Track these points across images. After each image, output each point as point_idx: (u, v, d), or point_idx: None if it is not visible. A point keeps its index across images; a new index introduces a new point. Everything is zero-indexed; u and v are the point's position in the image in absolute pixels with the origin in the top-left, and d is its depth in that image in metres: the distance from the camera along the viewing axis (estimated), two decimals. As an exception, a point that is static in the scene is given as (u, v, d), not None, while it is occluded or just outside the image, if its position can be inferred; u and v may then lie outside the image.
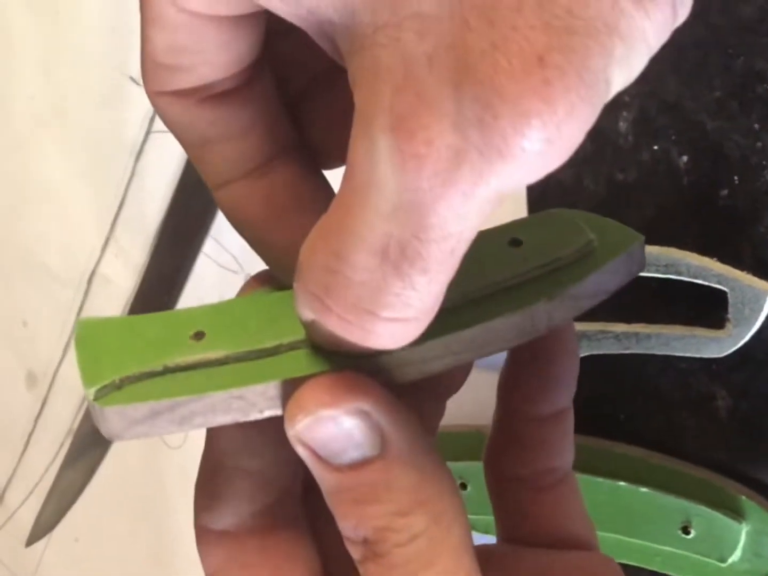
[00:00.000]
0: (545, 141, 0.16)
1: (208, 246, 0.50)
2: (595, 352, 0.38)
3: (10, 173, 0.59)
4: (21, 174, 0.59)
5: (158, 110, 0.22)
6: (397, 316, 0.18)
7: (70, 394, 0.59)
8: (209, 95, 0.22)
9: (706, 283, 0.35)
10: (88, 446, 0.59)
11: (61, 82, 0.55)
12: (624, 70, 0.16)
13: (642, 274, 0.24)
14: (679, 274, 0.35)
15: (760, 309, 0.34)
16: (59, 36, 0.54)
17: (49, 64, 0.55)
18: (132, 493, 0.58)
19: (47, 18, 0.55)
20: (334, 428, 0.20)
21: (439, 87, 0.16)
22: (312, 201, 0.24)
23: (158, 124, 0.51)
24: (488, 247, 0.24)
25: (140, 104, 0.51)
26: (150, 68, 0.21)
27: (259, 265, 0.50)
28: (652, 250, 0.35)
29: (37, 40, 0.55)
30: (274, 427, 0.21)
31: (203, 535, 0.25)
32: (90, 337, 0.24)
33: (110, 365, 0.22)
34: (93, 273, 0.57)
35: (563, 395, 0.28)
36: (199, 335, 0.23)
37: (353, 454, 0.20)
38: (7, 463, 0.64)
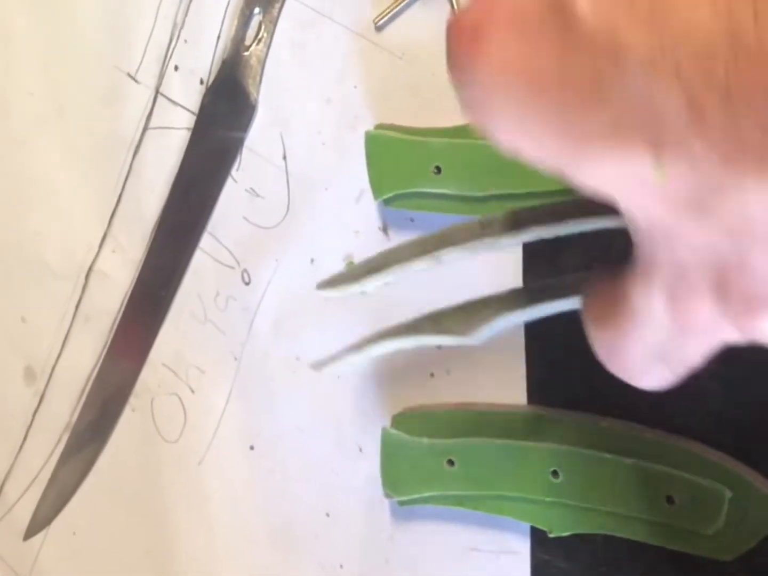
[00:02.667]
0: None
1: (205, 242, 0.51)
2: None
3: (8, 170, 0.60)
4: (19, 170, 0.59)
5: None
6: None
7: (68, 389, 0.60)
8: None
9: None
10: (86, 441, 0.59)
11: (59, 78, 0.55)
12: None
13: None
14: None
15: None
16: (57, 33, 0.54)
17: (47, 61, 0.55)
18: (129, 487, 0.58)
19: (46, 15, 0.55)
20: None
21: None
22: None
23: (156, 120, 0.51)
24: None
25: (138, 101, 0.51)
26: None
27: (256, 261, 0.51)
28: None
29: (35, 37, 0.56)
30: None
31: None
32: (376, 155, 0.39)
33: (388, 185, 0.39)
34: (91, 268, 0.57)
35: None
36: (438, 169, 0.36)
37: None
38: (5, 457, 0.65)
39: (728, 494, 0.36)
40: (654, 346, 0.24)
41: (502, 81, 0.20)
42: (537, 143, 0.21)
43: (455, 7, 0.40)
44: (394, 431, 0.43)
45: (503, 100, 0.21)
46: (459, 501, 0.42)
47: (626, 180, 0.20)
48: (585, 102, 0.19)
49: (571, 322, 0.40)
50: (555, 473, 0.39)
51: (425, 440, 0.42)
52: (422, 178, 0.39)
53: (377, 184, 0.40)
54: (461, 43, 0.21)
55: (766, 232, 0.19)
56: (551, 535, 0.40)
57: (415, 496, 0.43)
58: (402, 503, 0.44)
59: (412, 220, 0.43)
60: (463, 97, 0.22)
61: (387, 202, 0.41)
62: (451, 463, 0.41)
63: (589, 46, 0.19)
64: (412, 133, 0.39)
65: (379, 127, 0.41)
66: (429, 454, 0.42)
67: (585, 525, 0.40)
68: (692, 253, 0.21)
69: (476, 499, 0.42)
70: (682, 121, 0.18)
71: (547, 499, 0.39)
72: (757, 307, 0.21)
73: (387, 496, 0.44)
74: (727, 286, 0.21)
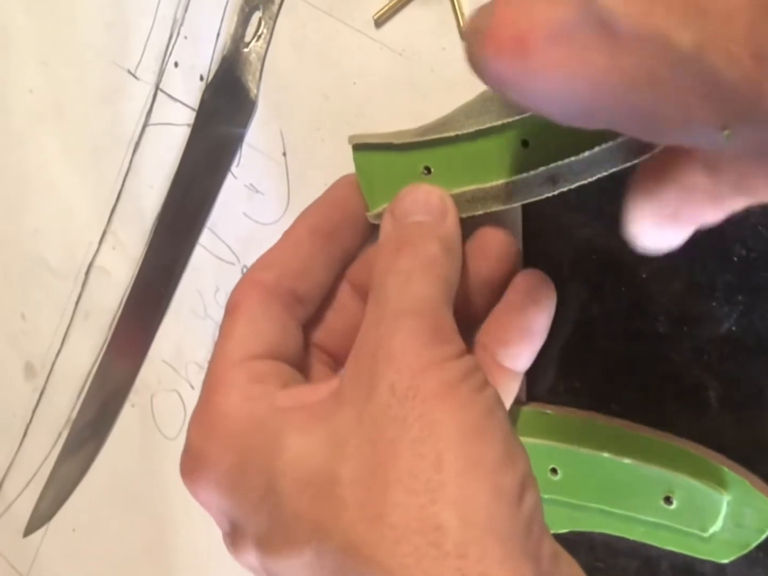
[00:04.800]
0: None
1: (205, 238, 0.51)
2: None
3: (7, 167, 0.60)
4: (18, 167, 0.59)
5: None
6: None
7: (68, 386, 0.60)
8: None
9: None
10: (86, 437, 0.59)
11: (58, 75, 0.55)
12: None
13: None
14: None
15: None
16: (57, 29, 0.54)
17: (46, 57, 0.55)
18: (129, 484, 0.58)
19: (45, 12, 0.55)
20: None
21: None
22: None
23: (155, 116, 0.51)
24: None
25: (138, 97, 0.51)
26: None
27: (256, 257, 0.51)
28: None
29: (34, 34, 0.56)
30: None
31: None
32: (365, 168, 0.40)
33: (379, 196, 0.39)
34: (90, 265, 0.57)
35: (524, 351, 0.38)
36: (427, 169, 0.37)
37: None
38: (5, 453, 0.65)
39: (726, 496, 0.36)
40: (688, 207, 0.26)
41: (559, 87, 0.22)
42: (601, 123, 0.23)
43: (456, 5, 0.40)
44: None
45: (562, 102, 0.23)
46: None
47: (700, 143, 0.22)
48: (648, 93, 0.21)
49: (571, 319, 0.40)
50: (553, 470, 0.39)
51: None
52: (413, 182, 0.39)
53: (370, 197, 0.40)
54: (504, 55, 0.23)
55: None
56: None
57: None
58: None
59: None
60: (512, 96, 0.24)
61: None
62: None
63: (637, 48, 0.20)
64: (396, 137, 0.39)
65: (360, 138, 0.41)
66: None
67: (582, 523, 0.40)
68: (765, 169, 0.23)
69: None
70: (743, 96, 0.20)
71: (545, 496, 0.39)
72: None
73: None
74: None
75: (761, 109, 0.20)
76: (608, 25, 0.20)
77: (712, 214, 0.26)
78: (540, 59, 0.22)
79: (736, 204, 0.26)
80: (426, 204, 0.35)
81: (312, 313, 0.38)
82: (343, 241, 0.38)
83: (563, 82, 0.22)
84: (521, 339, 0.37)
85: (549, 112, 0.23)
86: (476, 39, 0.24)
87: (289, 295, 0.36)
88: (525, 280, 0.38)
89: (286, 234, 0.38)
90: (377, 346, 0.30)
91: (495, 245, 0.37)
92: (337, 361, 0.39)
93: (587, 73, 0.21)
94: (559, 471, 0.39)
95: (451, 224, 0.35)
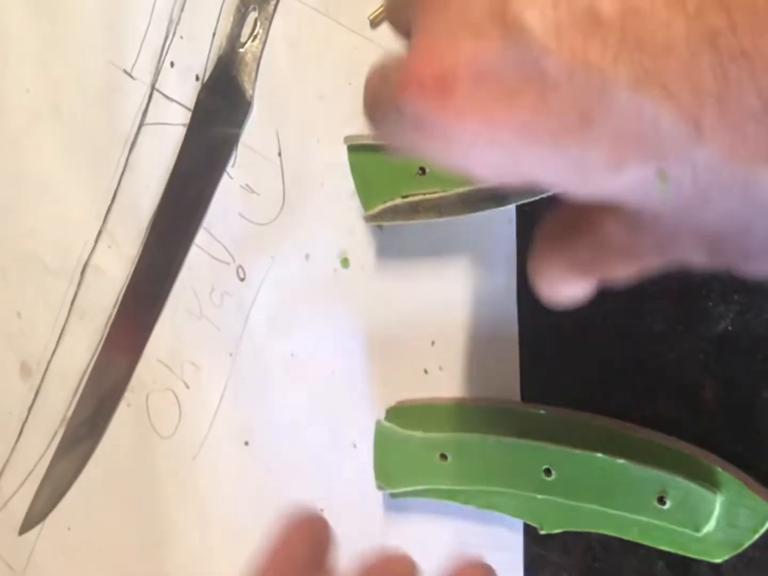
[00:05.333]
0: None
1: (201, 237, 0.51)
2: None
3: (4, 166, 0.60)
4: (15, 166, 0.59)
5: None
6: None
7: (64, 385, 0.60)
8: None
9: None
10: (81, 436, 0.59)
11: (55, 75, 0.55)
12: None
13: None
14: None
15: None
16: (54, 29, 0.54)
17: (43, 57, 0.55)
18: (124, 482, 0.58)
19: (42, 11, 0.55)
20: None
21: None
22: None
23: (151, 116, 0.51)
24: None
25: (134, 97, 0.51)
26: None
27: (251, 257, 0.51)
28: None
29: (31, 34, 0.56)
30: None
31: None
32: (360, 169, 0.40)
33: (374, 197, 0.40)
34: (86, 264, 0.57)
35: None
36: (422, 170, 0.38)
37: None
38: (1, 452, 0.65)
39: (720, 497, 0.36)
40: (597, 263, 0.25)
41: (486, 132, 0.20)
42: (527, 176, 0.21)
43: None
44: (387, 424, 0.43)
45: (487, 150, 0.20)
46: (451, 495, 0.42)
47: (631, 194, 0.20)
48: (579, 136, 0.19)
49: (566, 319, 0.40)
50: (548, 471, 0.39)
51: (419, 433, 0.42)
52: (408, 182, 0.39)
53: (365, 198, 0.40)
54: (426, 95, 0.20)
55: None
56: (542, 532, 0.40)
57: (408, 488, 0.43)
58: (394, 496, 0.44)
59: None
60: (425, 141, 0.21)
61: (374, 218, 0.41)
62: (443, 457, 0.41)
63: (569, 87, 0.19)
64: None
65: (355, 138, 0.41)
66: (422, 448, 0.42)
67: (576, 523, 0.40)
68: (692, 230, 0.21)
69: (468, 493, 0.42)
70: (681, 134, 0.18)
71: (539, 496, 0.40)
72: (750, 257, 0.21)
73: (379, 488, 0.44)
74: (722, 247, 0.21)
75: (701, 148, 0.18)
76: (538, 63, 0.19)
77: (624, 271, 0.24)
78: (464, 101, 0.20)
79: (653, 263, 0.23)
80: None
81: None
82: None
83: (487, 127, 0.20)
84: None
85: (470, 165, 0.21)
86: (388, 84, 0.22)
87: None
88: None
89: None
90: None
91: None
92: None
93: (514, 118, 0.19)
94: (553, 471, 0.39)
95: None
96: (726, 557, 0.37)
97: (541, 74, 0.19)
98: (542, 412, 0.40)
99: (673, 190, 0.19)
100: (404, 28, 0.24)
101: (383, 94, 0.22)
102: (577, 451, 0.39)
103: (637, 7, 0.18)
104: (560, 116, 0.19)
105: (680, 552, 0.38)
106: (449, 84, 0.20)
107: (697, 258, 0.22)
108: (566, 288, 0.26)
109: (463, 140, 0.20)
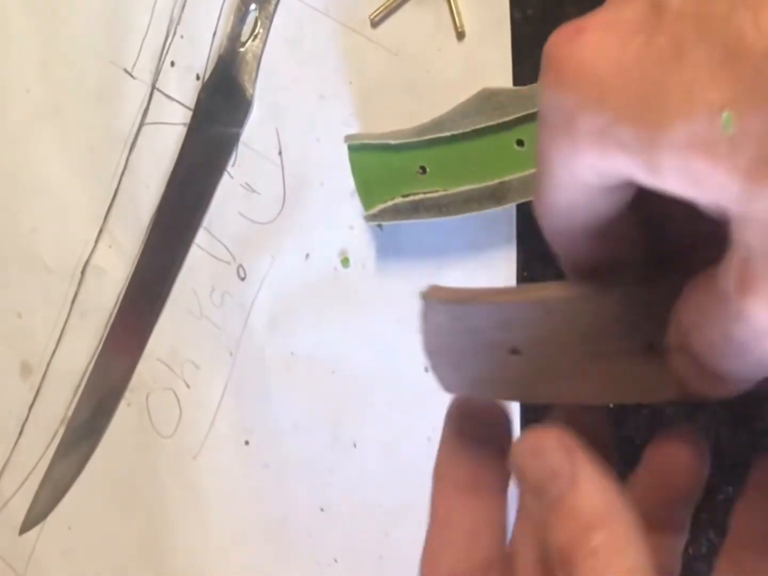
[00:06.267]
0: None
1: (201, 237, 0.51)
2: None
3: (4, 165, 0.60)
4: (15, 166, 0.59)
5: None
6: None
7: (64, 384, 0.60)
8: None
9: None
10: (82, 435, 0.59)
11: (56, 74, 0.55)
12: None
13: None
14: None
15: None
16: (54, 29, 0.54)
17: (44, 57, 0.55)
18: (125, 482, 0.58)
19: (43, 11, 0.55)
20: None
21: None
22: None
23: (152, 116, 0.51)
24: None
25: (134, 96, 0.52)
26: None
27: (251, 256, 0.51)
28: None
29: (32, 33, 0.56)
30: None
31: None
32: (361, 168, 0.39)
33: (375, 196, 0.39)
34: (86, 264, 0.57)
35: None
36: (422, 169, 0.37)
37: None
38: (1, 452, 0.65)
39: None
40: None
41: (594, 62, 0.22)
42: (614, 131, 0.22)
43: (452, 6, 0.40)
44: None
45: (591, 82, 0.22)
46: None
47: (698, 148, 0.20)
48: (663, 70, 0.20)
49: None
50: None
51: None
52: (408, 181, 0.39)
53: (366, 197, 0.40)
54: (563, 36, 0.22)
55: None
56: None
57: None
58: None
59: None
60: (555, 83, 0.23)
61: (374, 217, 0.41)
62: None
63: (676, 22, 0.20)
64: (392, 137, 0.39)
65: (356, 137, 0.41)
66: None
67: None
68: None
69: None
70: (761, 68, 0.19)
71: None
72: None
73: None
74: None
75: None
76: (657, 4, 0.21)
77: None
78: (591, 40, 0.22)
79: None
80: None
81: (506, 561, 0.32)
82: (496, 477, 0.32)
83: (604, 58, 0.22)
84: None
85: (585, 90, 0.22)
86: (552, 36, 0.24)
87: (477, 571, 0.31)
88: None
89: (436, 502, 0.32)
90: None
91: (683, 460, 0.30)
92: None
93: (622, 51, 0.21)
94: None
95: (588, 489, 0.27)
96: None
97: (659, 12, 0.21)
98: None
99: (739, 127, 0.20)
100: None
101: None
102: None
103: None
104: (654, 49, 0.21)
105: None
106: (581, 31, 0.22)
107: None
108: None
109: (579, 72, 0.22)
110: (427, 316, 0.28)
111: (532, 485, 0.26)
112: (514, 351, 0.28)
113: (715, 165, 0.20)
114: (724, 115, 0.20)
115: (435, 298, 0.28)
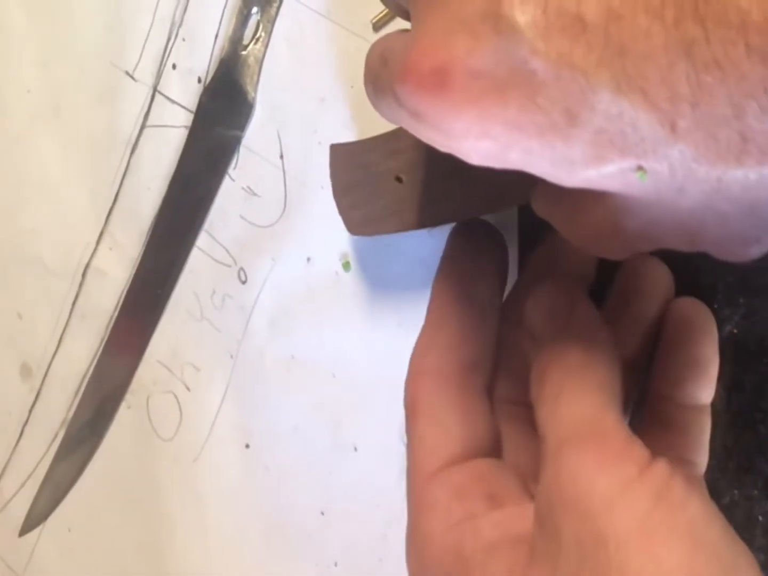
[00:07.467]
0: None
1: (202, 240, 0.51)
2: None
3: (5, 167, 0.60)
4: (16, 167, 0.59)
5: None
6: None
7: (64, 386, 0.60)
8: None
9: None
10: (82, 438, 0.59)
11: (56, 76, 0.55)
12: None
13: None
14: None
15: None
16: (55, 30, 0.55)
17: (45, 58, 0.55)
18: (125, 484, 0.58)
19: (44, 12, 0.55)
20: None
21: None
22: None
23: (153, 118, 0.51)
24: None
25: (135, 99, 0.52)
26: None
27: (252, 259, 0.51)
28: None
29: (33, 34, 0.56)
30: None
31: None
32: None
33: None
34: (87, 266, 0.57)
35: (703, 382, 0.34)
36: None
37: None
38: (1, 453, 0.65)
39: None
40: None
41: (478, 125, 0.22)
42: (516, 165, 0.23)
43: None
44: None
45: (479, 140, 0.22)
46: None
47: (612, 183, 0.22)
48: (564, 133, 0.21)
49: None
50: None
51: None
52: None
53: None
54: (423, 89, 0.22)
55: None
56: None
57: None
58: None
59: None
60: (426, 126, 0.23)
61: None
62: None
63: (555, 88, 0.20)
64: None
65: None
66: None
67: None
68: (672, 218, 0.22)
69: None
70: (657, 134, 0.20)
71: None
72: (727, 246, 0.23)
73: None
74: (701, 235, 0.23)
75: (676, 147, 0.20)
76: (527, 63, 0.20)
77: (614, 254, 0.26)
78: (458, 95, 0.21)
79: (639, 246, 0.24)
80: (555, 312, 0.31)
81: (490, 370, 0.34)
82: (488, 289, 0.35)
83: (479, 120, 0.21)
84: (698, 372, 0.34)
85: (463, 152, 0.23)
86: (387, 70, 0.24)
87: (461, 369, 0.33)
88: (681, 311, 0.35)
89: (430, 309, 0.35)
90: (550, 492, 0.26)
91: (657, 287, 0.35)
92: (522, 405, 0.34)
93: (504, 113, 0.21)
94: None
95: (584, 316, 0.31)
96: None
97: (529, 74, 0.20)
98: None
99: (650, 181, 0.21)
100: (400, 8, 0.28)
101: (383, 78, 0.25)
102: None
103: (620, 15, 0.19)
104: (546, 114, 0.21)
105: None
106: (445, 79, 0.21)
107: (679, 244, 0.23)
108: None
109: (456, 130, 0.22)
110: (333, 161, 0.37)
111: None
112: (398, 179, 0.35)
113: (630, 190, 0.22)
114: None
115: (338, 143, 0.37)
